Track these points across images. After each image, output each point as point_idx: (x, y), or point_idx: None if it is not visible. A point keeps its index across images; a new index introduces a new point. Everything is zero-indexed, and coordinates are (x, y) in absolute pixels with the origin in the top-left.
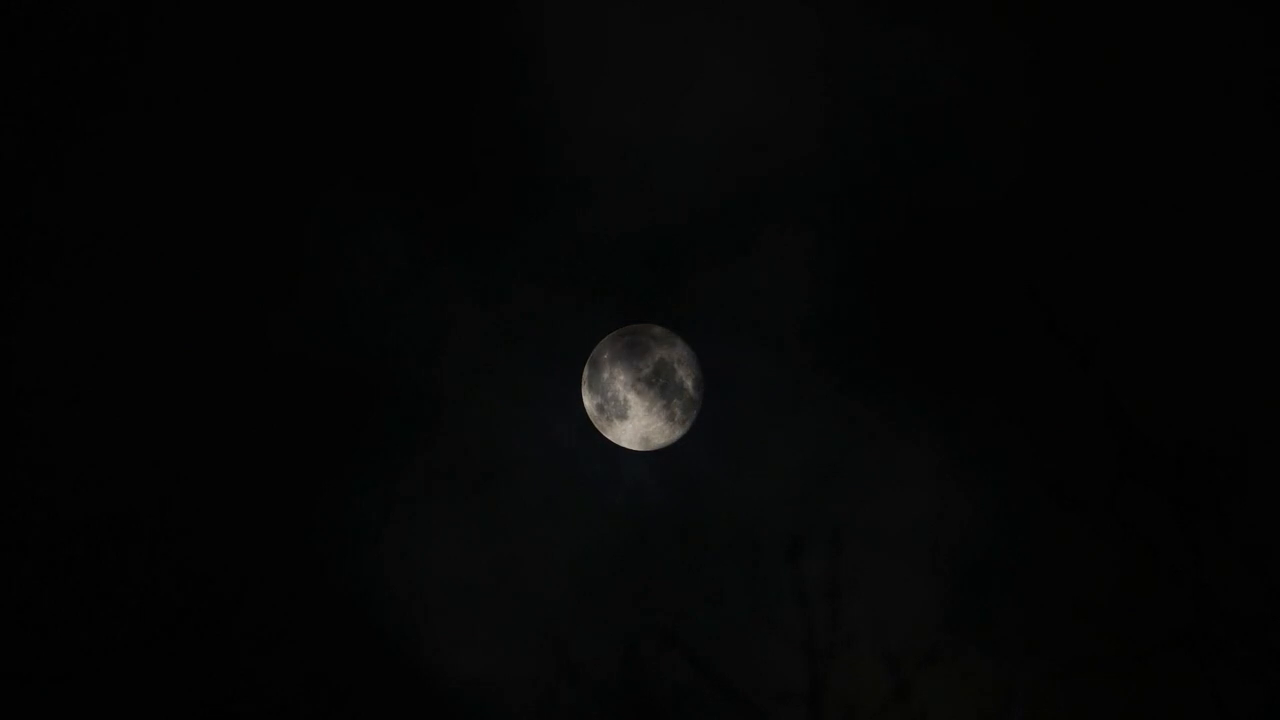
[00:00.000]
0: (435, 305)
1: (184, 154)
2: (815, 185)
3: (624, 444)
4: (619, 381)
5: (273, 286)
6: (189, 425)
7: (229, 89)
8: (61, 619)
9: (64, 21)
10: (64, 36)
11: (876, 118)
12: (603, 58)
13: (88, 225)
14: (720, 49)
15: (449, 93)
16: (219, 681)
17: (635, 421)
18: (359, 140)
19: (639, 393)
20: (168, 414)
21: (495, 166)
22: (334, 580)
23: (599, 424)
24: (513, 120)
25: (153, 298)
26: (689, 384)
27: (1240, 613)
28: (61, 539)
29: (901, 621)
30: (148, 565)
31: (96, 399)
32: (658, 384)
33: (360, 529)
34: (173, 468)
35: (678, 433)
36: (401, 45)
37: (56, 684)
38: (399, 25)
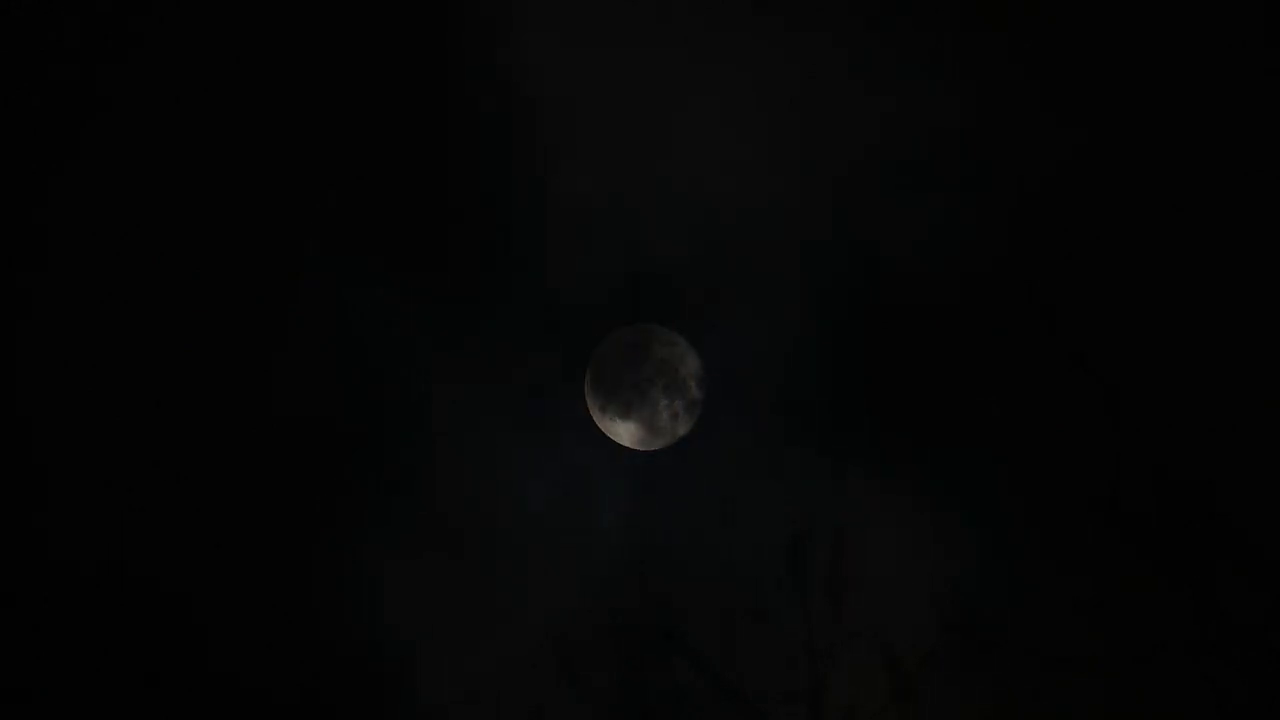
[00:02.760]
0: (430, 342)
1: (178, 216)
2: (807, 225)
3: (626, 443)
4: (621, 381)
5: (268, 346)
6: (186, 479)
7: (220, 160)
8: (55, 671)
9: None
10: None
11: (863, 159)
12: (581, 120)
13: (86, 281)
14: (700, 111)
15: (432, 150)
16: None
17: (637, 421)
18: (349, 201)
19: (641, 392)
20: (163, 467)
21: (473, 230)
22: (330, 593)
23: (601, 424)
24: (489, 186)
25: (145, 361)
26: (691, 383)
27: (1240, 613)
28: (54, 590)
29: (901, 621)
30: (143, 616)
31: (94, 454)
32: (660, 383)
33: (360, 551)
34: (171, 521)
35: (680, 431)
36: (388, 109)
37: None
38: (380, 87)
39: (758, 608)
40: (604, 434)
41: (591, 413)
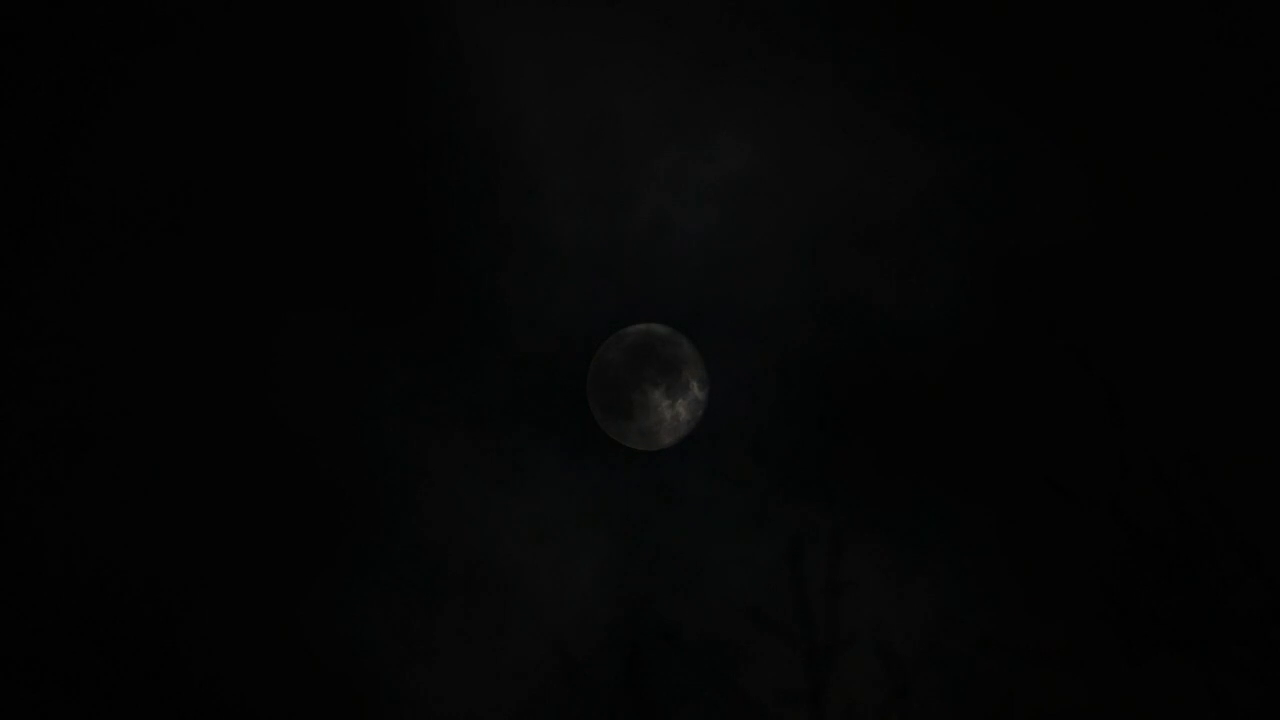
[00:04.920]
0: (430, 343)
1: (177, 217)
2: (807, 239)
3: (628, 444)
4: (623, 382)
5: (267, 349)
6: (185, 479)
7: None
8: (48, 676)
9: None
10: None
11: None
12: (560, 170)
13: (86, 280)
14: (682, 160)
15: (431, 165)
16: None
17: (640, 421)
18: (340, 253)
19: (644, 392)
20: (162, 468)
21: (450, 288)
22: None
23: (604, 425)
24: (472, 241)
25: (144, 361)
26: (694, 384)
27: (1240, 613)
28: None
29: (901, 621)
30: (142, 617)
31: (93, 454)
32: (663, 384)
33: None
34: (171, 522)
35: (682, 432)
36: (385, 122)
37: None
38: (380, 102)
39: (758, 608)
40: (605, 435)
41: (593, 413)
